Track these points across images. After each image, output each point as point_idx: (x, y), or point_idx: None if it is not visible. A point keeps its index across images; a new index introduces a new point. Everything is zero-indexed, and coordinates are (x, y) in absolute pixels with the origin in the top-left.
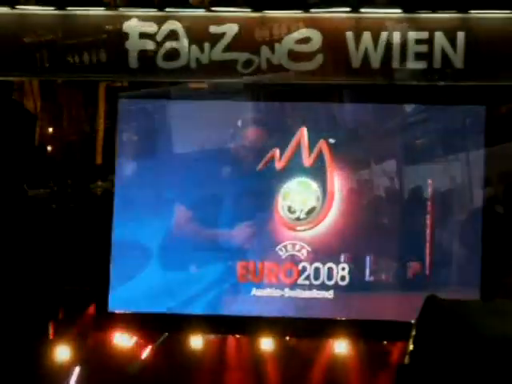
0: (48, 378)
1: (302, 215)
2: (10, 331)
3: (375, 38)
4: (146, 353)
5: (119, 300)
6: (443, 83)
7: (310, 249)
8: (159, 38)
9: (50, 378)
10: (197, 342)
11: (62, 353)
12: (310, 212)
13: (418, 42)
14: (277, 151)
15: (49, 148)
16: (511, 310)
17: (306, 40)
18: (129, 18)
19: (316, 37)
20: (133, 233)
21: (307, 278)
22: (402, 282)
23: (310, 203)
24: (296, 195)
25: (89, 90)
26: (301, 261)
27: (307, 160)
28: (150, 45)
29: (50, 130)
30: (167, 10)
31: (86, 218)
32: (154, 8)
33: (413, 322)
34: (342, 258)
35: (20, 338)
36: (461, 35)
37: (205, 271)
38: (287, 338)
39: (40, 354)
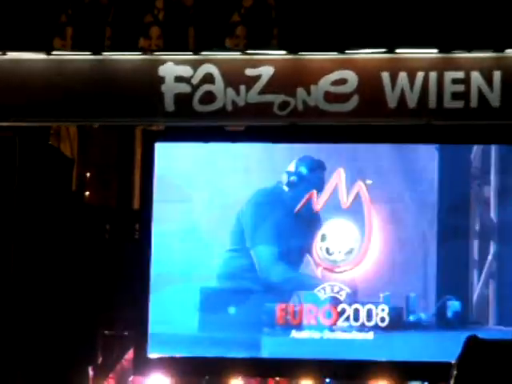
0: None
1: (341, 257)
2: (51, 376)
3: (411, 79)
4: None
5: (158, 344)
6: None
7: (349, 290)
8: (195, 81)
9: None
10: None
11: None
12: (348, 253)
13: (455, 81)
14: (314, 193)
15: (86, 193)
16: None
17: (341, 81)
18: (164, 61)
19: (352, 78)
20: (171, 276)
21: (347, 319)
22: (442, 321)
23: (349, 244)
24: (334, 237)
25: (125, 134)
26: (340, 302)
27: (344, 201)
28: (185, 88)
29: (87, 174)
30: (203, 53)
31: (124, 263)
32: (190, 52)
33: (453, 362)
34: (382, 298)
35: (60, 382)
36: (497, 74)
37: (244, 314)
38: (327, 380)
39: None
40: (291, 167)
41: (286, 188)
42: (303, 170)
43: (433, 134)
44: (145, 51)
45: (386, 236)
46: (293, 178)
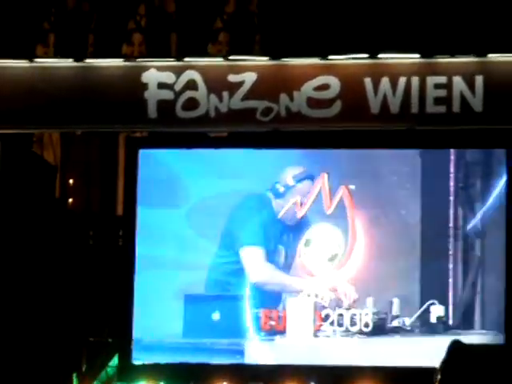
0: None
1: (325, 262)
2: (36, 383)
3: (394, 84)
4: None
5: (143, 351)
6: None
7: (333, 295)
8: (178, 87)
9: None
10: None
11: None
12: (332, 259)
13: (437, 86)
14: (298, 198)
15: (70, 200)
16: None
17: (324, 87)
18: (147, 68)
19: (334, 83)
20: (156, 282)
21: (331, 324)
22: (425, 326)
23: (332, 250)
24: (318, 242)
25: (108, 141)
26: (324, 308)
27: (328, 206)
28: (168, 95)
29: (71, 181)
30: (185, 59)
31: (108, 269)
32: (173, 58)
33: (437, 367)
34: (366, 303)
35: None
36: (479, 79)
37: (228, 319)
38: None
39: None
40: (281, 178)
41: (273, 197)
42: (291, 181)
43: (416, 139)
44: (128, 58)
45: (369, 241)
46: (281, 188)
